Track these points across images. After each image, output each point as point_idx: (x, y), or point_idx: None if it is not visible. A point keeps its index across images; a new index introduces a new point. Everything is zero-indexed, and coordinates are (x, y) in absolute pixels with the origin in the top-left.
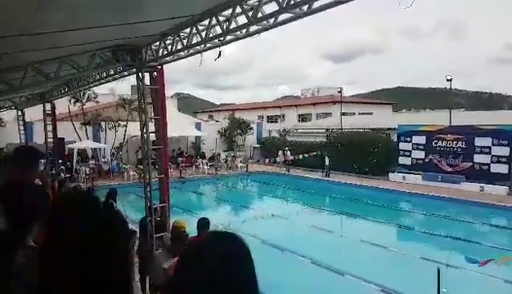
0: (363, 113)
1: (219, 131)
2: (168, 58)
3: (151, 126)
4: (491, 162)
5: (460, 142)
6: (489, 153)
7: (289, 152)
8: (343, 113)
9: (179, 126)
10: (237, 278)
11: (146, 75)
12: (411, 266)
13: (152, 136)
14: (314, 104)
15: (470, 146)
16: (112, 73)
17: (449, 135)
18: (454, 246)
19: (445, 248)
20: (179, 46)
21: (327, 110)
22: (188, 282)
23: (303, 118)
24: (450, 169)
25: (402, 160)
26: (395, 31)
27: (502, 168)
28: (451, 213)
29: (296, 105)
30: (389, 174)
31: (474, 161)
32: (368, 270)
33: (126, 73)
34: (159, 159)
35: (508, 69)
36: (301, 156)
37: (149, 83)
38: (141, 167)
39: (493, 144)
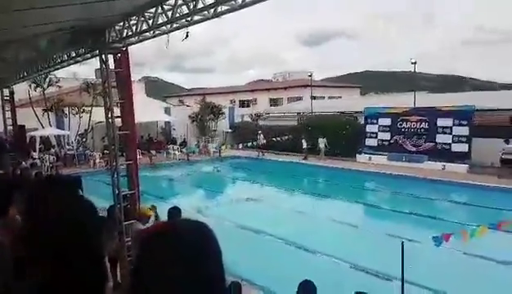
0: (332, 97)
1: (190, 116)
2: (132, 39)
3: (117, 111)
4: (452, 141)
5: (423, 123)
6: (450, 133)
7: (262, 136)
8: (314, 97)
9: (147, 111)
10: (204, 269)
11: (110, 57)
12: (378, 242)
13: (119, 122)
14: (285, 89)
15: (433, 127)
16: (74, 55)
17: (413, 117)
18: (417, 222)
19: (409, 224)
20: (144, 27)
21: (298, 94)
22: (150, 275)
23: (274, 102)
24: (414, 149)
25: (369, 141)
26: (364, 15)
27: (462, 147)
28: (414, 191)
29: (268, 89)
30: (357, 155)
31: (437, 141)
32: (338, 248)
33: (89, 55)
34: (126, 145)
35: (469, 53)
36: (274, 139)
37: (113, 66)
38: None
39: (454, 125)
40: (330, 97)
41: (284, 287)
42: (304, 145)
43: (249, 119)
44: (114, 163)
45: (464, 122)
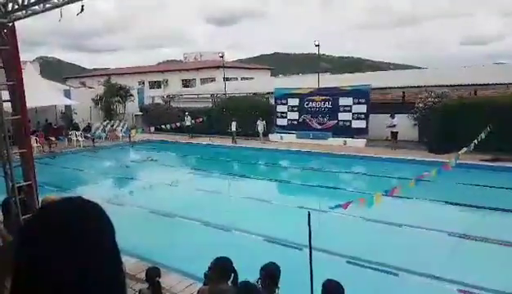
0: (245, 78)
1: (94, 99)
2: (19, 13)
3: (6, 95)
4: (352, 118)
5: (327, 102)
6: (350, 111)
7: (189, 117)
8: (227, 79)
9: (44, 94)
10: (85, 254)
11: None
12: (288, 214)
13: (9, 107)
14: (198, 69)
15: (335, 106)
16: None
17: (317, 97)
18: (323, 193)
19: (315, 195)
20: (32, 0)
21: (211, 75)
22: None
23: (187, 83)
24: (319, 127)
25: (280, 121)
26: None
27: (361, 123)
28: (320, 165)
29: (180, 70)
30: (269, 135)
31: (339, 118)
32: (252, 223)
33: None
34: (17, 132)
35: (367, 35)
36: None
37: None
38: None
39: (354, 103)
40: (242, 78)
41: (201, 267)
42: (233, 128)
43: (160, 101)
44: (6, 153)
45: (363, 100)
